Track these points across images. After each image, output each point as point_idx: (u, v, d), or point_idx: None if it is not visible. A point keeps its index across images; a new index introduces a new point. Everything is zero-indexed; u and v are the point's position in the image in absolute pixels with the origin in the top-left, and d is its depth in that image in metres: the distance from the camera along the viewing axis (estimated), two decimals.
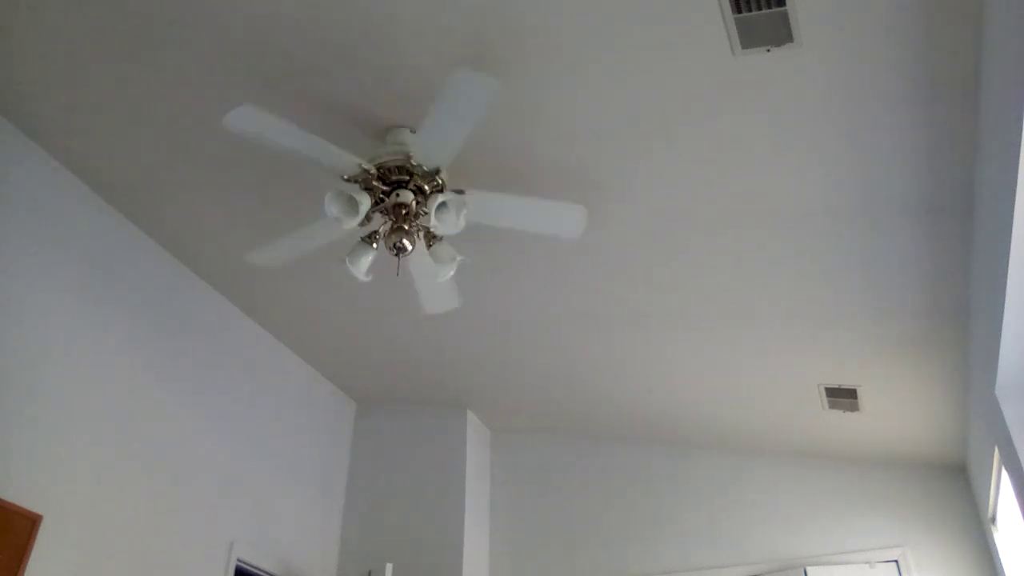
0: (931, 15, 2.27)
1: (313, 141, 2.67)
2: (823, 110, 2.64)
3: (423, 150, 2.74)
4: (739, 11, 2.37)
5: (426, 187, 2.88)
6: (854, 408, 4.18)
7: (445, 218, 2.82)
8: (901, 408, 4.09)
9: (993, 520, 3.92)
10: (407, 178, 2.86)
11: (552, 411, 5.07)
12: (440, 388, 5.05)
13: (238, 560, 4.04)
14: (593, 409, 4.92)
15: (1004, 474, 3.38)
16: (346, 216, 2.79)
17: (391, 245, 2.85)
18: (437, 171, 2.83)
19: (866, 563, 4.33)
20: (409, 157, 2.80)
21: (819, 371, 3.99)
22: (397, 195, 2.86)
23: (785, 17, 2.35)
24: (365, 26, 2.61)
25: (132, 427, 3.58)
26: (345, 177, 2.85)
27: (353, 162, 2.78)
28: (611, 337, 4.11)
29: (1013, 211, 2.13)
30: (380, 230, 3.02)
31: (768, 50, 2.46)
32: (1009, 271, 2.33)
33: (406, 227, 2.85)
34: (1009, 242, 2.23)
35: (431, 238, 3.04)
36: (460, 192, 2.87)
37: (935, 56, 2.38)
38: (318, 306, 4.30)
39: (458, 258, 3.06)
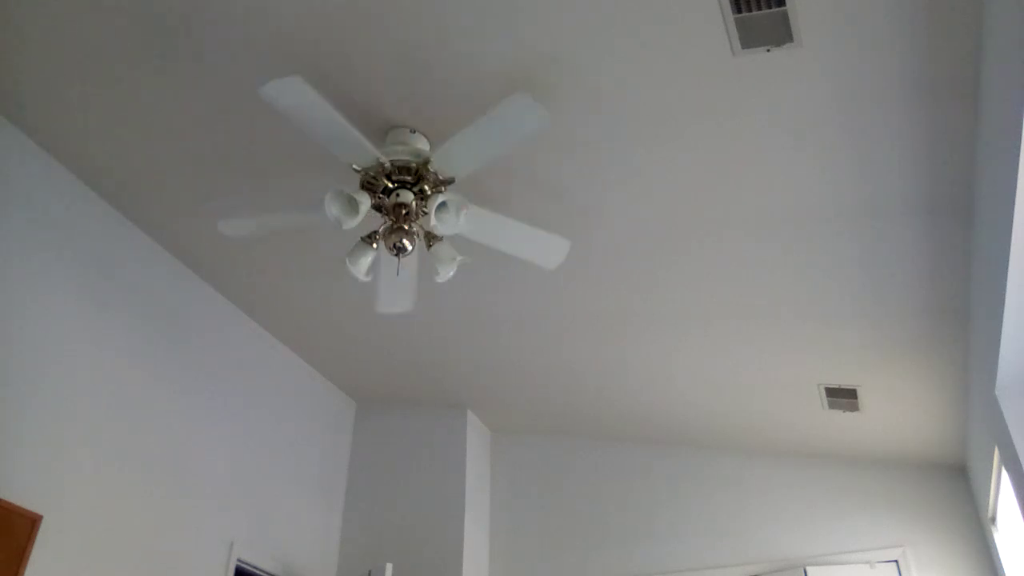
0: (931, 15, 2.27)
1: (342, 127, 2.64)
2: (823, 110, 2.64)
3: (446, 158, 2.75)
4: (739, 11, 2.37)
5: (428, 189, 2.87)
6: (854, 408, 4.18)
7: (445, 218, 2.82)
8: (901, 408, 4.09)
9: (993, 520, 3.92)
10: (412, 180, 2.85)
11: (552, 411, 5.07)
12: (440, 388, 5.05)
13: (238, 560, 4.04)
14: (593, 409, 4.91)
15: (1004, 474, 3.38)
16: (346, 216, 2.79)
17: (391, 245, 2.85)
18: (451, 180, 2.84)
19: (866, 563, 4.33)
20: (427, 162, 2.81)
21: (819, 371, 3.99)
22: (397, 195, 2.85)
23: (785, 17, 2.35)
24: (366, 26, 2.61)
25: (132, 427, 3.58)
26: (356, 168, 2.83)
27: (372, 154, 2.77)
28: (611, 337, 4.11)
29: (1013, 211, 2.13)
30: (380, 230, 3.02)
31: (768, 50, 2.46)
32: (1009, 271, 2.33)
33: (406, 227, 2.85)
34: (1009, 242, 2.23)
35: (431, 238, 3.04)
36: (427, 159, 2.85)
37: (935, 56, 2.38)
38: (318, 306, 4.30)
39: (458, 258, 3.06)
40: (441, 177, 2.83)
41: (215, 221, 3.70)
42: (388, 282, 3.28)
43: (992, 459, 3.43)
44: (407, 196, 2.85)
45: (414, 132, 2.98)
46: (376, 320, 4.34)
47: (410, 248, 2.86)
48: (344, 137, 2.68)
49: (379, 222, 3.06)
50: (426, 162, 2.82)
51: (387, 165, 2.81)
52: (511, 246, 3.04)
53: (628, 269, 3.58)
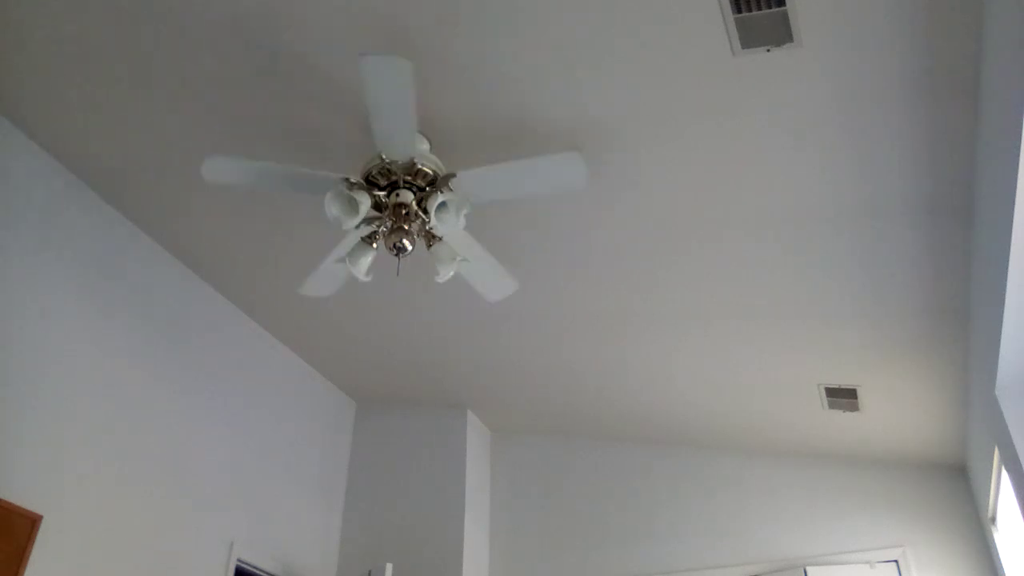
0: (931, 15, 2.27)
1: (409, 116, 2.61)
2: (823, 110, 2.64)
3: (384, 145, 2.72)
4: (739, 11, 2.37)
5: (424, 185, 2.87)
6: (854, 408, 4.18)
7: (445, 218, 2.82)
8: (901, 408, 4.09)
9: (993, 520, 3.92)
10: (423, 185, 2.85)
11: (552, 411, 5.07)
12: (440, 388, 5.05)
13: (238, 560, 4.04)
14: (593, 409, 4.91)
15: (1004, 474, 3.38)
16: (346, 217, 2.79)
17: (391, 245, 2.85)
18: (413, 163, 2.80)
19: (866, 563, 4.33)
20: (381, 156, 2.79)
21: (819, 371, 3.99)
22: (397, 195, 2.85)
23: (785, 17, 2.35)
24: (367, 24, 2.61)
25: (132, 427, 3.58)
26: (384, 158, 2.81)
27: (410, 154, 2.76)
28: (611, 337, 4.11)
29: (1013, 211, 2.13)
30: (380, 230, 3.02)
31: (768, 50, 2.46)
32: (1009, 271, 2.33)
33: (406, 227, 2.85)
34: (1009, 242, 2.23)
35: (431, 238, 3.04)
36: (451, 176, 2.84)
37: (935, 56, 2.38)
38: (318, 306, 4.30)
39: (458, 258, 3.06)
40: (402, 163, 2.79)
41: (215, 221, 3.71)
42: (481, 274, 3.26)
43: (992, 459, 3.43)
44: (407, 196, 2.85)
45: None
46: (376, 320, 4.34)
47: (410, 248, 2.86)
48: (403, 131, 2.65)
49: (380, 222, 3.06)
50: (449, 177, 2.82)
51: (354, 180, 2.81)
52: (525, 187, 2.89)
53: (628, 269, 3.58)
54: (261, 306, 4.44)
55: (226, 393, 4.26)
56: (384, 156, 2.76)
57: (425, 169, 2.83)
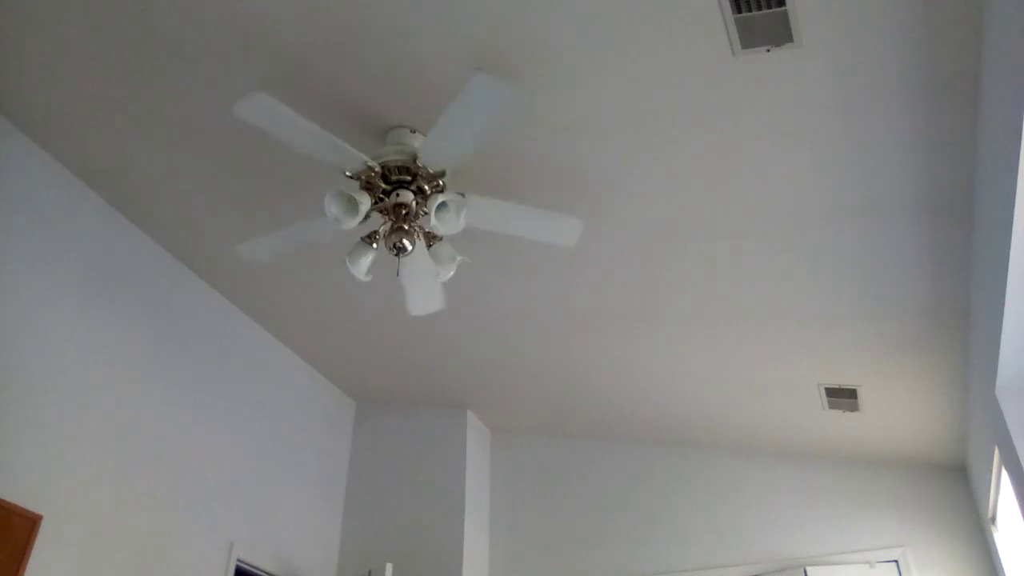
0: (931, 15, 2.27)
1: (321, 135, 2.64)
2: (823, 110, 2.64)
3: (430, 152, 2.73)
4: (739, 11, 2.37)
5: (427, 187, 2.87)
6: (854, 408, 4.18)
7: (445, 218, 2.82)
8: (901, 408, 4.09)
9: (993, 520, 3.92)
10: (409, 178, 2.85)
11: (552, 411, 5.07)
12: (440, 388, 5.05)
13: (238, 560, 4.04)
14: (593, 409, 4.92)
15: (1004, 474, 3.38)
16: (346, 216, 2.79)
17: (391, 245, 2.85)
18: (442, 174, 2.83)
19: (866, 563, 4.34)
20: (415, 158, 2.80)
21: (819, 371, 3.99)
22: (397, 195, 2.85)
23: (785, 17, 2.35)
24: (367, 25, 2.61)
25: (132, 427, 3.58)
26: (348, 174, 2.84)
27: (359, 159, 2.77)
28: (611, 337, 4.11)
29: (1013, 211, 2.13)
30: (380, 230, 3.02)
31: (768, 50, 2.46)
32: (1009, 271, 2.33)
33: (406, 227, 2.85)
34: (1009, 242, 2.23)
35: (431, 238, 3.04)
36: (461, 195, 2.86)
37: (935, 56, 2.38)
38: (318, 306, 4.30)
39: (458, 258, 3.06)
40: (432, 171, 2.82)
41: (215, 221, 3.71)
42: (416, 284, 3.26)
43: (992, 459, 3.43)
44: (407, 196, 2.85)
45: (414, 132, 2.98)
46: (376, 320, 4.34)
47: (410, 248, 2.86)
48: (327, 145, 2.68)
49: (380, 222, 3.07)
50: (414, 158, 2.81)
51: (377, 168, 2.81)
52: (523, 230, 2.98)
53: (628, 269, 3.58)
54: (261, 306, 4.44)
55: (226, 393, 4.26)
56: (420, 159, 2.77)
57: (442, 182, 2.86)
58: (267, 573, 4.25)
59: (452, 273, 3.06)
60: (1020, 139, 1.94)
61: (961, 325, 3.42)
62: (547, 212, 2.93)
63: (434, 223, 2.82)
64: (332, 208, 2.77)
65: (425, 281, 3.18)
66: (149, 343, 3.79)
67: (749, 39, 2.44)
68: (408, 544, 4.85)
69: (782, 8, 2.32)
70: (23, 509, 2.95)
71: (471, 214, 2.90)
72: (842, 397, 4.12)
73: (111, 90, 2.99)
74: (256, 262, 3.18)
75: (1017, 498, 3.09)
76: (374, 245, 3.03)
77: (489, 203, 2.90)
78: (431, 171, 2.82)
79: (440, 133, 2.63)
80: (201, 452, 3.98)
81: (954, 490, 4.41)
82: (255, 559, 4.16)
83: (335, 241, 3.67)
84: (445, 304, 3.39)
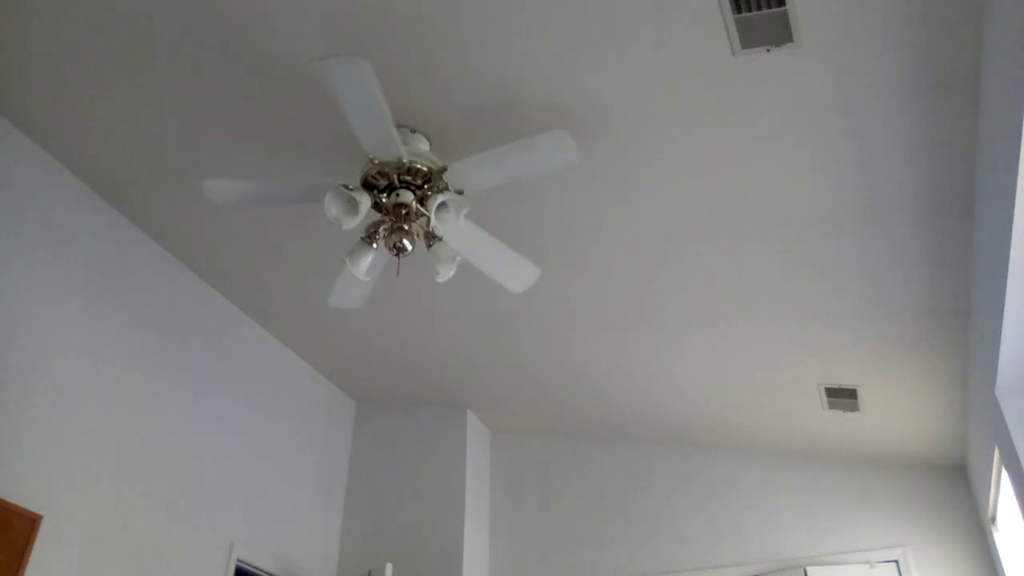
0: (931, 15, 2.27)
1: (386, 117, 2.60)
2: (823, 110, 2.64)
3: (463, 173, 2.77)
4: (739, 11, 2.37)
5: (422, 183, 2.87)
6: (854, 408, 4.18)
7: (445, 218, 2.82)
8: (901, 408, 4.09)
9: (993, 520, 3.92)
10: (419, 183, 2.85)
11: (552, 411, 5.07)
12: (440, 388, 5.05)
13: (238, 560, 4.04)
14: (593, 409, 4.92)
15: (1004, 474, 3.38)
16: (346, 216, 2.79)
17: (391, 245, 2.85)
18: (400, 160, 2.79)
19: (866, 563, 4.34)
20: (443, 171, 2.81)
21: (819, 371, 3.99)
22: (397, 195, 2.85)
23: (785, 17, 2.35)
24: (367, 26, 2.61)
25: (132, 427, 3.58)
26: (373, 159, 2.80)
27: (397, 152, 2.75)
28: (611, 337, 4.11)
29: (1013, 211, 2.13)
30: (380, 230, 3.02)
31: (768, 50, 2.46)
32: (1009, 271, 2.33)
33: (406, 227, 2.85)
34: (1009, 242, 2.23)
35: (431, 238, 3.04)
36: (443, 170, 2.83)
37: (935, 56, 2.38)
38: (318, 306, 4.30)
39: (458, 258, 3.06)
40: (392, 161, 2.79)
41: (215, 221, 3.71)
42: (348, 277, 3.25)
43: (992, 459, 3.43)
44: (407, 196, 2.85)
45: (414, 132, 2.98)
46: (376, 320, 4.34)
47: (410, 248, 2.86)
48: (382, 130, 2.65)
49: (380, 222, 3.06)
50: (441, 171, 2.82)
51: (406, 163, 2.80)
52: (516, 169, 2.87)
53: (628, 269, 3.58)
54: (261, 306, 4.44)
55: (226, 393, 4.26)
56: (372, 157, 2.76)
57: (418, 166, 2.83)
58: (267, 573, 4.25)
59: (452, 273, 3.06)
60: (1020, 139, 1.94)
61: (961, 325, 3.42)
62: (528, 139, 2.73)
63: (434, 223, 2.82)
64: (332, 208, 2.77)
65: (504, 260, 3.18)
66: (149, 343, 3.79)
67: (749, 39, 2.44)
68: (408, 544, 4.85)
69: (782, 8, 2.32)
70: (23, 509, 2.95)
71: (460, 181, 2.86)
72: (842, 397, 4.12)
73: (111, 90, 2.99)
74: (218, 201, 3.00)
75: (1017, 498, 3.09)
76: (374, 245, 3.03)
77: (472, 161, 2.81)
78: (392, 162, 2.79)
79: (485, 161, 2.67)
80: (201, 452, 3.98)
81: (954, 490, 4.41)
82: (255, 559, 4.16)
83: (334, 240, 3.67)
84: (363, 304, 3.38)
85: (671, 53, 2.55)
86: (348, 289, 3.30)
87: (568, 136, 2.55)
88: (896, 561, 4.30)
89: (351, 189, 2.80)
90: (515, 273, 3.13)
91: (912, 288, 3.30)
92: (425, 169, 2.84)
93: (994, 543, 3.98)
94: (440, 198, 2.76)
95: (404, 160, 2.79)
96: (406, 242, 2.84)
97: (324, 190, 2.82)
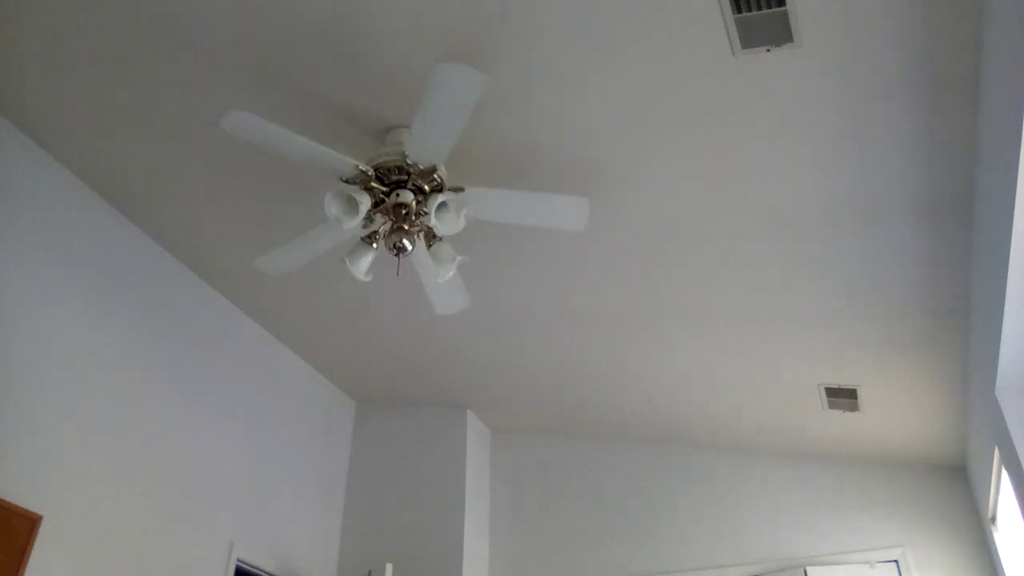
0: (931, 15, 2.27)
1: (308, 146, 2.67)
2: (823, 110, 2.64)
3: (417, 148, 2.73)
4: (739, 11, 2.37)
5: (426, 187, 2.87)
6: (854, 408, 4.18)
7: (445, 218, 2.82)
8: (901, 408, 4.09)
9: (993, 520, 3.92)
10: (406, 178, 2.85)
11: (552, 411, 5.07)
12: (440, 388, 5.05)
13: (238, 560, 4.04)
14: (593, 409, 4.92)
15: (1004, 474, 3.38)
16: (346, 216, 2.79)
17: (391, 245, 2.85)
18: (434, 169, 2.82)
19: (866, 563, 4.34)
20: (405, 156, 2.80)
21: (819, 371, 3.99)
22: (397, 195, 2.86)
23: (785, 17, 2.35)
24: (367, 25, 2.61)
25: (132, 427, 3.58)
26: (343, 179, 2.85)
27: (349, 164, 2.78)
28: (611, 337, 4.11)
29: (1013, 211, 2.13)
30: (380, 230, 3.03)
31: (768, 50, 2.46)
32: (1009, 271, 2.33)
33: (406, 227, 2.85)
34: (1009, 242, 2.24)
35: (431, 238, 3.04)
36: (459, 190, 2.86)
37: (935, 56, 2.38)
38: (318, 306, 4.30)
39: (458, 258, 3.06)
40: (423, 167, 2.81)
41: (215, 221, 3.71)
42: (437, 284, 3.28)
43: (992, 459, 3.43)
44: (407, 196, 2.85)
45: None
46: (376, 320, 4.34)
47: (410, 248, 2.86)
48: (315, 155, 2.69)
49: (380, 222, 3.06)
50: (403, 157, 2.81)
51: (370, 171, 2.82)
52: (527, 217, 2.92)
53: (628, 269, 3.58)
54: (261, 306, 4.44)
55: (226, 393, 4.26)
56: (409, 157, 2.77)
57: (438, 177, 2.85)
58: (267, 573, 4.25)
59: (452, 273, 3.06)
60: (1020, 139, 1.94)
61: (961, 325, 3.42)
62: (550, 195, 2.85)
63: (434, 223, 2.82)
64: (332, 208, 2.77)
65: (445, 280, 3.19)
66: (149, 343, 3.79)
67: (749, 39, 2.44)
68: (408, 544, 4.85)
69: (782, 8, 2.32)
70: (23, 509, 2.95)
71: (472, 207, 2.89)
72: (842, 397, 4.12)
73: (111, 90, 2.99)
74: (278, 273, 3.24)
75: (1017, 498, 3.09)
76: (374, 245, 3.03)
77: (489, 193, 2.88)
78: (422, 167, 2.81)
79: (420, 127, 2.63)
80: (201, 452, 3.98)
81: (954, 490, 4.41)
82: (255, 559, 4.16)
83: (341, 244, 3.67)
84: (469, 302, 3.43)
85: (671, 53, 2.55)
86: (444, 294, 3.35)
87: (586, 205, 2.66)
88: (896, 561, 4.30)
89: (365, 173, 2.80)
90: (566, 212, 2.94)
91: (912, 288, 3.30)
92: (440, 181, 2.85)
93: (994, 543, 3.98)
94: (440, 198, 2.77)
95: (363, 169, 2.81)
96: (406, 242, 2.84)
97: (338, 164, 2.80)
